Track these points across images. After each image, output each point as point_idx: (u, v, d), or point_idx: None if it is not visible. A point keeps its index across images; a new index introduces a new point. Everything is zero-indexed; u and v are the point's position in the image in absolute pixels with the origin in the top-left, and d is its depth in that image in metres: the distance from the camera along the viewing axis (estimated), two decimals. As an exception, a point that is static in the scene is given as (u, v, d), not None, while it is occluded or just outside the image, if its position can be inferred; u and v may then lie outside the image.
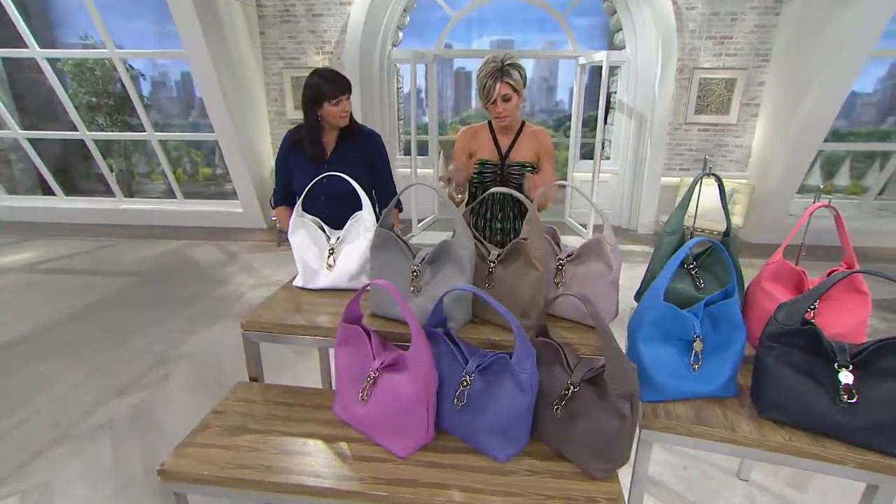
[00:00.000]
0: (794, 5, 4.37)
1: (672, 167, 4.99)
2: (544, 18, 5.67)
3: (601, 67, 4.52)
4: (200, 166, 8.05)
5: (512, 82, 1.62)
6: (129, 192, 6.83)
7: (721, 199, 1.37)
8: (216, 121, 4.88)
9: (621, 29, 4.97)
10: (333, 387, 2.35)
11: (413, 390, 1.07)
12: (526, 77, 1.66)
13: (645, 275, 1.44)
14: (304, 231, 1.57)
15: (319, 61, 5.22)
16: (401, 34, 5.56)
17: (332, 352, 2.20)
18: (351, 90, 1.73)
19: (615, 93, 5.31)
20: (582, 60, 4.90)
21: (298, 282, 1.57)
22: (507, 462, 1.08)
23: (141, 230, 5.56)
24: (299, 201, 1.56)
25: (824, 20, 4.01)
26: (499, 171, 1.79)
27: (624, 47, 4.99)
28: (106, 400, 2.38)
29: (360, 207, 1.62)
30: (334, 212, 1.68)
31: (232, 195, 5.71)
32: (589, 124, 6.28)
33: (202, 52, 4.37)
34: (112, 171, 6.16)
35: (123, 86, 5.67)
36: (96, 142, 5.74)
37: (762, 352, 1.13)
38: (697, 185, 1.35)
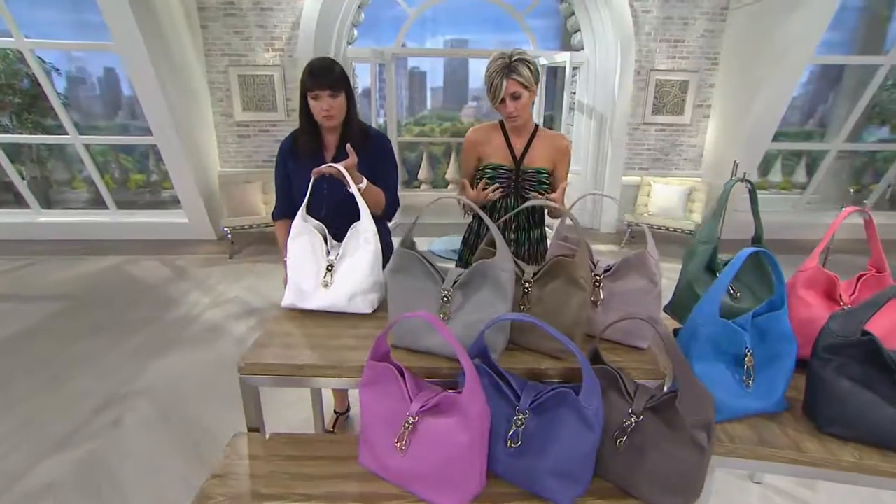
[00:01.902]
0: (739, 13, 4.62)
1: (632, 166, 5.13)
2: (499, 18, 5.64)
3: (556, 69, 4.54)
4: (132, 172, 7.32)
5: (521, 79, 1.51)
6: (48, 203, 6.08)
7: (752, 205, 1.34)
8: (155, 122, 4.42)
9: (579, 30, 5.03)
10: (327, 425, 2.15)
11: (466, 438, 0.93)
12: (538, 73, 1.54)
13: (677, 286, 1.38)
14: (305, 239, 1.40)
15: (269, 59, 4.87)
16: (356, 32, 5.33)
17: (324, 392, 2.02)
18: (339, 87, 1.53)
19: (574, 93, 5.38)
20: (543, 61, 4.91)
21: (287, 300, 1.38)
22: (572, 506, 0.96)
23: (66, 246, 4.95)
24: (303, 205, 1.38)
25: (767, 29, 4.26)
26: (513, 179, 1.66)
27: (582, 48, 5.05)
28: (44, 457, 1.99)
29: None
30: (335, 221, 1.50)
31: (171, 203, 5.22)
32: (546, 124, 6.34)
33: (137, 46, 3.92)
34: (24, 178, 5.44)
35: (33, 81, 5.01)
36: (1, 144, 5.01)
37: (817, 364, 1.09)
38: (728, 194, 1.30)
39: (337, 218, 1.52)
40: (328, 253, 1.40)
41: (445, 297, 1.13)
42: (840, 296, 1.27)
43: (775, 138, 4.77)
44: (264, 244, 5.04)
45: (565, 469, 0.96)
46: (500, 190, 1.63)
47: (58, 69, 6.07)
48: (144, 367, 2.69)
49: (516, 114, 1.55)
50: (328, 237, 1.42)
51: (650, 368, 1.15)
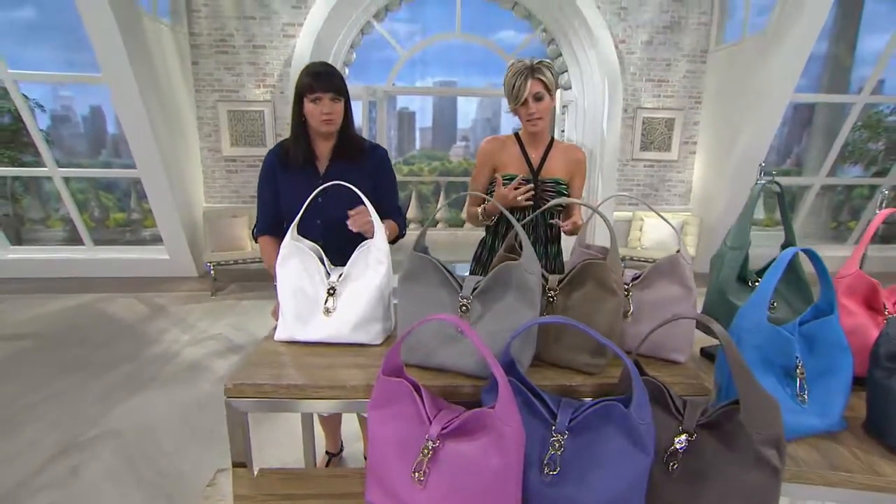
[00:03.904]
0: (719, 55, 4.83)
1: (622, 202, 5.16)
2: (487, 61, 5.82)
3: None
4: (112, 211, 7.12)
5: (544, 79, 1.46)
6: (18, 241, 5.83)
7: (781, 208, 1.27)
8: (140, 155, 4.31)
9: (566, 71, 5.19)
10: (320, 460, 1.94)
11: (501, 462, 0.78)
12: (558, 80, 1.50)
13: (707, 297, 1.28)
14: (297, 261, 1.22)
15: (260, 94, 4.88)
16: (347, 71, 5.41)
17: (316, 417, 1.82)
18: (340, 91, 1.45)
19: (563, 131, 5.48)
20: (531, 100, 5.02)
21: (280, 334, 1.19)
22: (625, 548, 0.81)
23: (37, 284, 4.68)
24: (294, 223, 1.23)
25: (746, 69, 4.45)
26: (531, 189, 1.58)
27: (570, 88, 5.19)
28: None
29: (362, 236, 1.32)
30: (332, 241, 1.36)
31: (150, 242, 5.03)
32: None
33: (126, 77, 3.88)
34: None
35: (14, 117, 4.91)
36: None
37: (880, 375, 0.98)
38: (759, 196, 1.23)
39: (334, 237, 1.39)
40: (328, 275, 1.21)
41: (464, 306, 1.01)
42: (884, 304, 1.18)
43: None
44: (249, 281, 4.84)
45: (612, 500, 0.81)
46: (532, 193, 1.53)
47: (42, 106, 6.02)
48: (112, 408, 2.44)
49: (539, 115, 1.49)
50: (325, 259, 1.24)
51: (693, 383, 1.02)
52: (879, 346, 0.98)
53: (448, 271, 1.05)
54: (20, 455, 2.07)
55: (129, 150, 4.36)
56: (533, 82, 1.46)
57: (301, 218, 1.23)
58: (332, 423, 1.93)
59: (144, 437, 2.19)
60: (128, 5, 3.85)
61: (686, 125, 5.07)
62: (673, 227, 1.08)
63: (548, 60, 1.48)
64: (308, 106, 1.45)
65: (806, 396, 1.00)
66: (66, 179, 4.91)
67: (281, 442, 2.01)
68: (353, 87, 5.18)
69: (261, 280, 4.68)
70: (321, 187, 1.26)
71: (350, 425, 2.07)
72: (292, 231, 1.22)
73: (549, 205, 1.17)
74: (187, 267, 4.93)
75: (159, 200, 4.56)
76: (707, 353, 1.34)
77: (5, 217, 5.90)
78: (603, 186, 5.08)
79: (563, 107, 5.38)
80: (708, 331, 1.29)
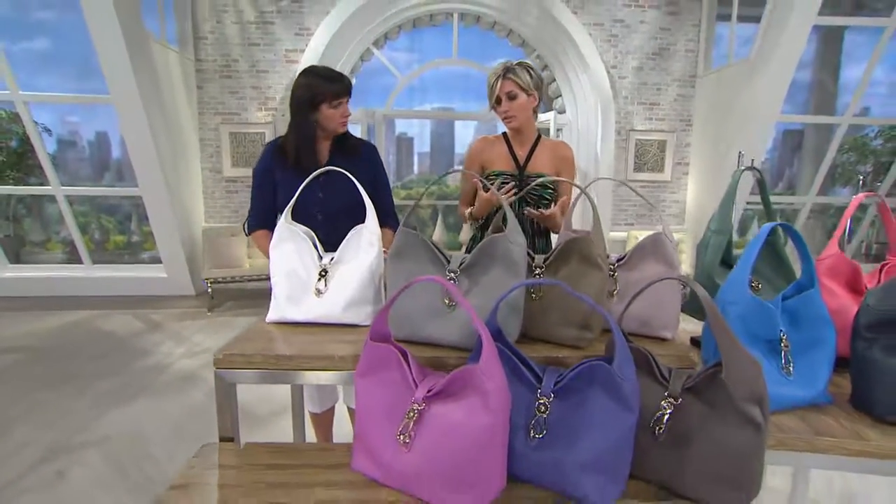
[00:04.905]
0: (707, 80, 5.00)
1: (618, 222, 5.23)
2: (482, 88, 5.98)
3: (540, 129, 4.77)
4: (112, 234, 7.17)
5: (517, 80, 1.53)
6: (17, 261, 5.85)
7: (762, 194, 1.31)
8: (143, 174, 4.39)
9: (560, 95, 5.35)
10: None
11: (487, 420, 0.79)
12: (540, 80, 1.57)
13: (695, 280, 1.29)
14: (291, 245, 1.25)
15: (262, 118, 5.01)
16: (347, 96, 5.57)
17: (307, 411, 1.80)
18: (351, 92, 1.53)
19: (557, 153, 5.60)
20: (526, 122, 5.16)
21: (272, 315, 1.21)
22: (610, 510, 0.81)
23: (34, 302, 4.67)
24: (288, 208, 1.26)
25: (733, 92, 4.60)
26: (517, 185, 1.63)
27: (564, 111, 5.34)
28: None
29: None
30: (333, 232, 1.39)
31: (148, 262, 5.07)
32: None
33: (132, 97, 4.00)
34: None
35: (22, 140, 5.03)
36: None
37: (862, 346, 0.99)
38: (738, 182, 1.27)
39: (334, 231, 1.42)
40: (320, 258, 1.25)
41: (451, 279, 1.03)
42: (866, 287, 1.20)
43: (751, 198, 4.96)
44: (246, 299, 4.84)
45: (599, 460, 0.81)
46: (514, 191, 1.57)
47: (49, 130, 6.15)
48: (102, 416, 2.41)
49: (511, 114, 1.56)
50: (318, 244, 1.28)
51: (680, 355, 1.03)
52: (860, 317, 1.00)
53: (437, 248, 1.08)
54: (8, 458, 2.04)
55: (132, 174, 4.45)
56: (504, 82, 1.54)
57: (302, 212, 1.28)
58: (324, 424, 1.91)
59: (134, 443, 2.16)
60: (138, 30, 4.01)
61: (678, 147, 5.19)
62: (651, 205, 1.11)
63: (528, 62, 1.56)
64: (328, 111, 1.51)
65: (791, 369, 1.01)
66: (70, 201, 4.98)
67: (269, 427, 1.99)
68: (351, 110, 5.33)
69: (257, 298, 4.68)
70: (324, 169, 1.29)
71: (343, 427, 2.04)
72: (286, 216, 1.26)
73: (533, 184, 1.20)
74: (185, 285, 4.94)
75: (160, 219, 4.62)
76: (697, 342, 1.35)
77: (6, 238, 5.95)
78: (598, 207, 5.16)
79: (558, 130, 5.52)
80: (695, 314, 1.31)
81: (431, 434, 0.83)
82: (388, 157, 6.56)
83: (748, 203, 4.93)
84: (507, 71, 1.54)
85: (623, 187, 5.26)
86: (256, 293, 4.88)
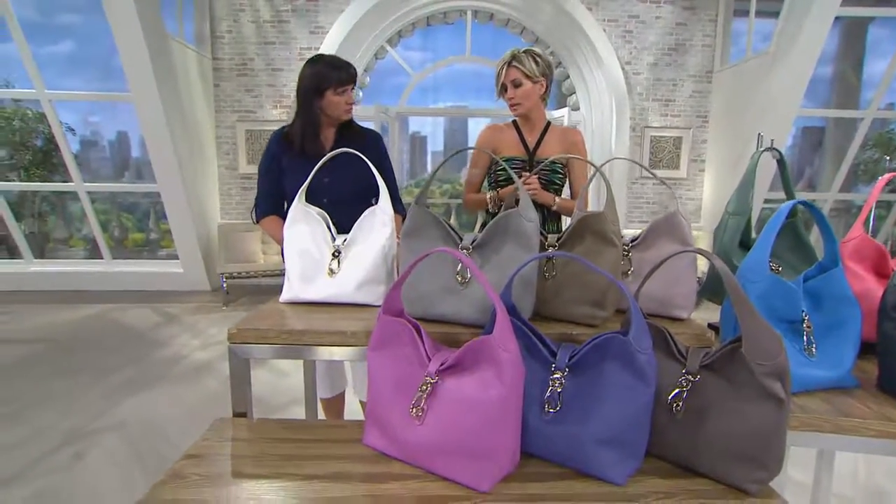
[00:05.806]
0: (724, 75, 4.92)
1: (632, 219, 5.17)
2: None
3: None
4: (131, 231, 7.33)
5: (522, 67, 1.54)
6: (41, 256, 6.00)
7: (782, 177, 1.28)
8: (161, 170, 4.48)
9: (574, 93, 5.31)
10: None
11: (499, 392, 0.78)
12: (548, 68, 1.57)
13: (710, 269, 1.27)
14: (304, 226, 1.26)
15: (277, 115, 5.07)
16: (360, 94, 5.60)
17: (318, 398, 1.81)
18: (356, 80, 1.55)
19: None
20: (540, 119, 5.14)
21: (285, 295, 1.22)
22: (627, 485, 0.79)
23: (56, 296, 4.78)
24: (302, 189, 1.27)
25: (751, 87, 4.51)
26: (527, 169, 1.63)
27: (578, 108, 5.31)
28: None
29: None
30: (339, 219, 1.39)
31: (165, 258, 5.16)
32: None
33: (151, 95, 4.08)
34: (23, 232, 5.40)
35: (47, 139, 5.17)
36: (4, 194, 4.99)
37: (890, 327, 0.96)
38: (757, 164, 1.25)
39: (339, 212, 1.43)
40: (333, 239, 1.27)
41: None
42: (893, 270, 1.16)
43: (769, 195, 4.86)
44: (260, 294, 4.90)
45: (615, 435, 0.80)
46: (536, 185, 1.58)
47: (73, 130, 6.32)
48: (118, 403, 2.45)
49: (516, 101, 1.58)
50: (331, 225, 1.29)
51: (697, 334, 1.01)
52: (887, 296, 0.97)
53: (450, 226, 1.07)
54: (29, 441, 2.09)
55: (151, 173, 4.54)
56: (510, 70, 1.56)
57: (309, 197, 1.29)
58: (334, 410, 1.91)
59: (149, 428, 2.19)
60: (158, 29, 4.09)
61: (694, 143, 5.12)
62: (667, 186, 1.09)
63: (535, 49, 1.56)
64: (333, 98, 1.52)
65: (814, 349, 0.98)
66: (91, 199, 5.09)
67: (281, 408, 2.00)
68: (365, 107, 5.36)
69: (272, 293, 4.70)
70: (335, 152, 1.29)
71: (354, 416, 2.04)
72: (300, 197, 1.27)
73: (545, 162, 1.20)
74: (200, 280, 5.01)
75: (177, 214, 4.69)
76: (714, 328, 1.32)
77: (31, 235, 6.12)
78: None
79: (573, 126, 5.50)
80: (712, 297, 1.28)
81: (444, 408, 0.82)
82: (401, 157, 6.58)
83: (766, 201, 4.82)
84: (512, 59, 1.56)
85: (637, 184, 5.20)
86: (271, 288, 4.92)
